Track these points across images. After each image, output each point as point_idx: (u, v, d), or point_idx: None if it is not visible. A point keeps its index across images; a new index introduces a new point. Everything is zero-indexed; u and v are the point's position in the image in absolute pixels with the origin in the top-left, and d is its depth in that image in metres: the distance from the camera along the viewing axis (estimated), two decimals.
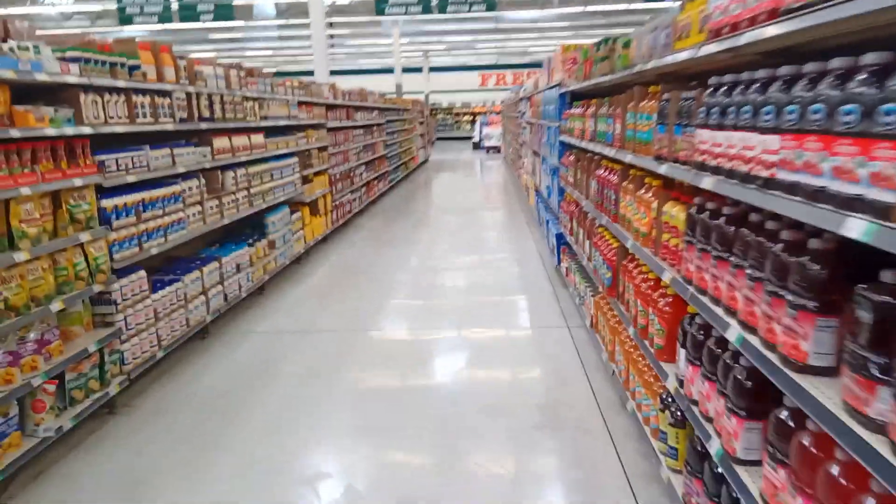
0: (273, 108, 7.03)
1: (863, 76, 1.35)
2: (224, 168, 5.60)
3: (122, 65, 4.14)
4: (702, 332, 2.31)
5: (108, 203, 3.91)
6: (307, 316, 5.88)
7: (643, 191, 3.13)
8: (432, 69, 33.43)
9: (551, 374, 4.35)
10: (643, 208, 3.07)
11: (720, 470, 2.11)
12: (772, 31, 1.64)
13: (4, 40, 3.44)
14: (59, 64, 3.59)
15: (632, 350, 3.41)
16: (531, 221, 9.91)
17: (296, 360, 4.77)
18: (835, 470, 1.43)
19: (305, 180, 8.01)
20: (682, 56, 2.34)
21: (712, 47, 2.07)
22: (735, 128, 1.92)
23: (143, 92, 4.34)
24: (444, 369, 4.59)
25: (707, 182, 2.13)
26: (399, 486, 3.12)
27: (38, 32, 3.91)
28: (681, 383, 2.50)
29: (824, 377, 1.58)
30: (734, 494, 2.03)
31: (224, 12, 12.54)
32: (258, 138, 6.42)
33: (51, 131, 3.45)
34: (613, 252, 3.80)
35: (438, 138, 33.64)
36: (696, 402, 2.34)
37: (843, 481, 1.40)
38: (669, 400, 2.73)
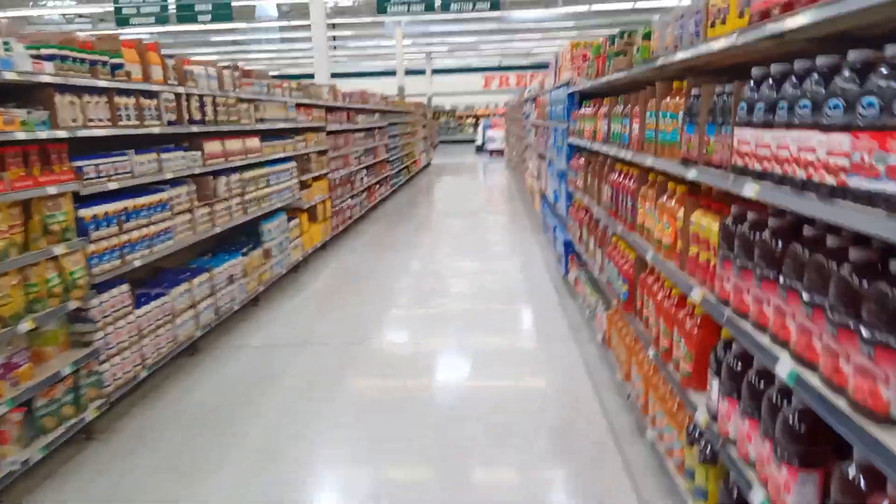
0: (270, 111, 6.76)
1: None
2: (216, 173, 5.33)
3: (104, 63, 3.87)
4: (740, 362, 2.02)
5: (86, 212, 3.64)
6: (304, 328, 5.60)
7: (666, 198, 2.84)
8: (435, 71, 33.19)
9: (561, 394, 4.06)
10: (666, 217, 2.78)
11: None
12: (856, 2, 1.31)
13: None
14: (33, 62, 3.33)
15: (651, 373, 3.11)
16: (536, 227, 9.62)
17: (292, 375, 4.49)
18: None
19: (304, 185, 7.74)
20: (719, 44, 2.06)
21: (757, 33, 1.78)
22: (788, 126, 1.63)
23: (127, 92, 4.07)
24: (447, 386, 4.31)
25: (750, 189, 1.84)
26: None
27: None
28: (713, 417, 2.21)
29: None
30: None
31: (222, 13, 12.30)
32: (253, 142, 6.15)
33: (22, 135, 3.19)
34: (630, 264, 3.50)
35: (441, 141, 33.39)
36: (732, 442, 2.05)
37: None
38: (698, 434, 2.44)
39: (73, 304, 3.47)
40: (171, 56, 4.67)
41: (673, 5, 14.26)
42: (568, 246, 6.08)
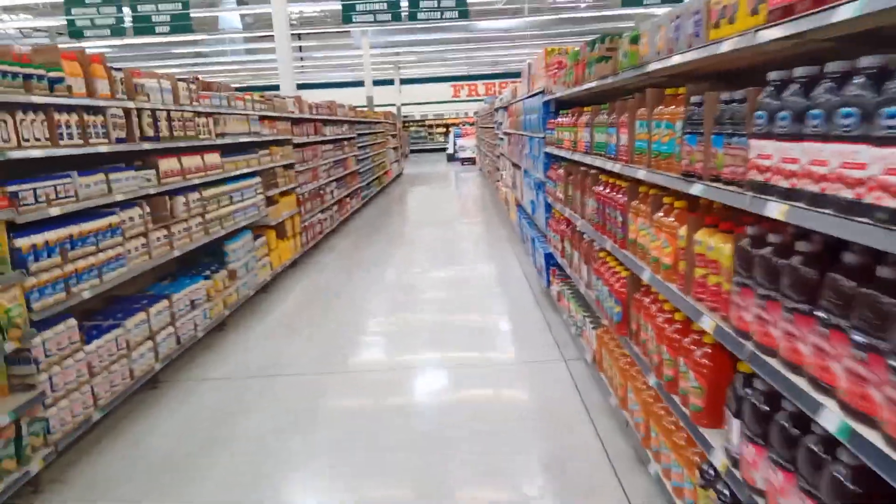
0: (231, 125, 6.42)
1: None
2: (173, 193, 4.98)
3: (41, 77, 3.52)
4: (767, 403, 1.78)
5: (23, 242, 3.28)
6: (273, 353, 5.25)
7: (662, 213, 2.62)
8: (403, 81, 33.01)
9: (551, 418, 3.80)
10: (664, 235, 2.55)
11: None
12: None
13: None
14: None
15: (652, 401, 2.88)
16: (512, 237, 9.40)
17: (261, 409, 4.16)
18: None
19: (270, 201, 7.40)
20: (727, 45, 1.83)
21: (778, 31, 1.55)
22: (824, 138, 1.40)
23: (68, 109, 3.73)
24: (427, 410, 4.02)
25: (775, 209, 1.61)
26: None
27: None
28: (734, 463, 1.97)
29: None
30: None
31: (181, 24, 11.86)
32: (214, 158, 5.81)
33: None
34: (622, 283, 3.27)
35: (412, 150, 33.17)
36: (760, 494, 1.81)
37: None
38: (713, 474, 2.20)
39: (10, 346, 3.10)
40: (119, 69, 4.32)
41: (638, 11, 14.29)
42: (549, 258, 5.85)
